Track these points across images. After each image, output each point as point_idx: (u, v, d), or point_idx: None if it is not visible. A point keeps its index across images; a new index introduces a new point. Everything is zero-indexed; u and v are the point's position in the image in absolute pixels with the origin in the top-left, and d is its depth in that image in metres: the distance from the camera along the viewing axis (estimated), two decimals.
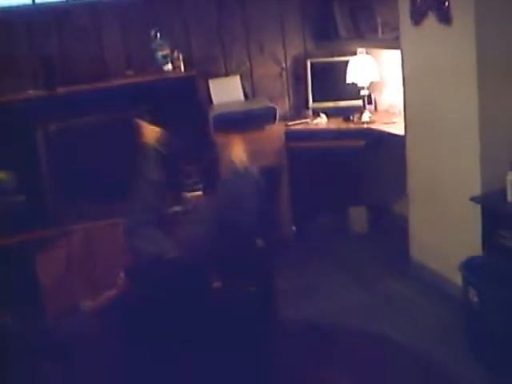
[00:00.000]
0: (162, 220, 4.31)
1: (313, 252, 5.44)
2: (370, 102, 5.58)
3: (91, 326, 4.34)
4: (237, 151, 3.99)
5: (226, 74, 5.74)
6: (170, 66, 5.22)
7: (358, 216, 5.75)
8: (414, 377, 3.68)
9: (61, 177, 4.83)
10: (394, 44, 4.78)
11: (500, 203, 3.88)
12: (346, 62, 5.53)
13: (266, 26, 5.79)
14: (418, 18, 4.30)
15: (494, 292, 3.60)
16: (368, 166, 5.91)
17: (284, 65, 5.89)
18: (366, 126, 5.36)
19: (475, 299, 3.64)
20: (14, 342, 4.20)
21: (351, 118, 5.51)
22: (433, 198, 4.50)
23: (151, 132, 4.03)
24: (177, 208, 5.05)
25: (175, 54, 5.24)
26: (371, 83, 5.52)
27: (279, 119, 5.47)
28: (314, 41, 5.92)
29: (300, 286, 4.88)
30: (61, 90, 4.85)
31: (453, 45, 4.05)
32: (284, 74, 5.90)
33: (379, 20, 5.19)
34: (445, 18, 4.04)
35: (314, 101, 5.80)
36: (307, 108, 5.83)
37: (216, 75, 5.68)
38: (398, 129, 4.99)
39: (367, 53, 5.46)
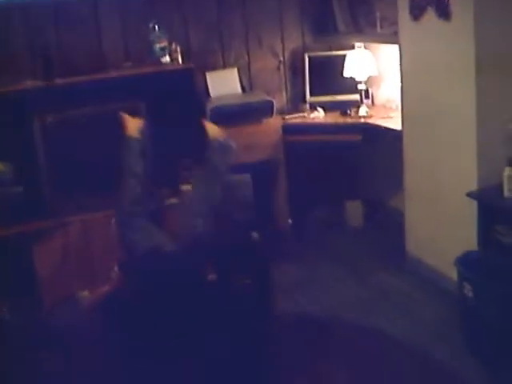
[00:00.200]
0: (156, 212, 4.32)
1: (309, 245, 5.45)
2: (367, 97, 5.59)
3: (87, 318, 4.35)
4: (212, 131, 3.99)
5: (224, 67, 5.72)
6: (167, 59, 5.20)
7: (354, 210, 5.76)
8: (409, 371, 3.69)
9: (58, 168, 4.83)
10: (392, 39, 4.78)
11: (496, 199, 3.89)
12: (344, 56, 5.54)
13: (265, 20, 5.78)
14: (417, 13, 4.31)
15: (489, 287, 3.61)
16: (364, 161, 5.92)
17: (282, 58, 5.89)
18: (363, 120, 5.36)
19: (470, 294, 3.66)
20: (10, 332, 4.21)
21: (348, 112, 5.51)
22: (429, 193, 4.51)
23: (135, 124, 4.03)
24: (173, 200, 5.07)
25: (173, 46, 5.22)
26: (369, 78, 5.52)
27: (276, 113, 5.47)
28: (313, 34, 5.92)
29: (295, 279, 4.89)
30: (59, 81, 4.83)
31: (451, 41, 4.05)
32: (282, 67, 5.90)
33: (378, 14, 5.18)
34: (444, 13, 4.04)
35: (311, 94, 5.79)
36: (304, 102, 5.82)
37: (214, 68, 5.67)
38: (394, 124, 5.00)
39: (365, 47, 5.47)
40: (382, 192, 5.82)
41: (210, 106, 5.32)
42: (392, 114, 5.25)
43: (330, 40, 5.83)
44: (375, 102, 5.76)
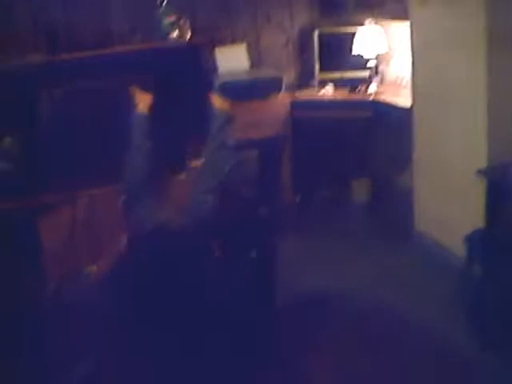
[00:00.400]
0: (163, 189, 4.31)
1: (315, 222, 5.44)
2: (376, 74, 5.55)
3: (93, 292, 4.36)
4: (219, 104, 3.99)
5: (233, 43, 5.69)
6: (176, 33, 5.17)
7: (362, 187, 5.74)
8: (414, 347, 3.70)
9: (64, 143, 4.81)
10: (402, 15, 4.74)
11: (506, 177, 3.86)
12: (354, 33, 5.50)
13: None
14: None
15: (497, 265, 3.60)
16: (373, 138, 5.89)
17: (291, 34, 5.84)
18: (372, 97, 5.34)
19: (479, 272, 3.65)
20: (17, 306, 4.21)
21: (358, 89, 5.48)
22: (439, 171, 4.49)
23: (145, 100, 4.02)
24: (180, 176, 5.06)
25: (181, 21, 5.19)
26: (378, 55, 5.48)
27: (285, 89, 5.44)
28: (322, 11, 5.87)
29: (302, 255, 4.88)
30: (65, 56, 4.81)
31: (463, 16, 4.01)
32: (291, 43, 5.86)
33: None
34: None
35: (320, 71, 5.76)
36: (313, 78, 5.79)
37: (222, 43, 5.64)
38: (404, 101, 4.97)
39: (375, 24, 5.42)
40: (390, 169, 5.79)
41: (218, 82, 5.29)
42: (401, 92, 5.22)
43: (339, 16, 5.78)
44: (384, 79, 5.72)
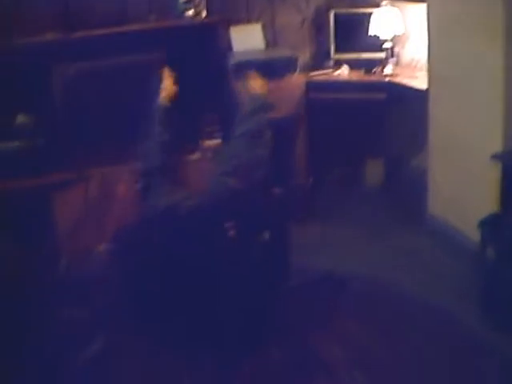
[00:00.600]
0: (178, 169, 4.32)
1: (329, 203, 5.43)
2: (392, 55, 5.51)
3: (105, 270, 4.38)
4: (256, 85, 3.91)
5: (248, 22, 5.65)
6: (191, 12, 5.14)
7: (376, 169, 5.73)
8: (427, 329, 3.70)
9: (79, 120, 4.82)
10: None
11: None
12: (370, 14, 5.45)
13: None
14: None
15: (511, 249, 3.58)
16: (388, 119, 5.87)
17: (307, 14, 5.80)
18: (388, 79, 5.31)
19: (493, 256, 3.64)
20: (28, 282, 4.23)
21: (373, 70, 5.44)
22: (454, 154, 4.47)
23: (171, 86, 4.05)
24: (195, 156, 5.06)
25: (197, 0, 5.16)
26: (394, 36, 5.44)
27: (300, 69, 5.41)
28: None
29: (316, 236, 4.88)
30: (80, 33, 4.80)
31: (480, 1, 3.97)
32: (306, 23, 5.82)
33: None
34: None
35: (336, 52, 5.72)
36: (329, 59, 5.75)
37: (237, 23, 5.60)
38: (420, 83, 4.95)
39: (392, 5, 5.37)
40: (404, 151, 5.77)
41: (233, 61, 5.27)
42: (417, 74, 5.19)
43: None
44: (400, 61, 5.67)
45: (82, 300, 3.94)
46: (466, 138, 4.33)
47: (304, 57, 5.74)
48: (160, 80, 4.14)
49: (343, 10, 5.71)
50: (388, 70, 5.36)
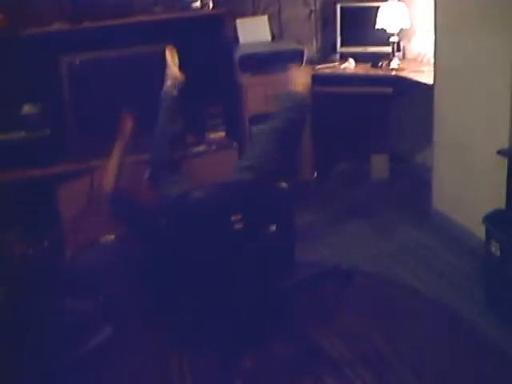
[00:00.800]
0: (183, 159, 4.32)
1: (333, 198, 5.43)
2: (398, 50, 5.50)
3: (110, 260, 4.39)
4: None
5: (254, 14, 5.64)
6: (198, 4, 5.14)
7: (381, 163, 5.72)
8: (429, 324, 3.71)
9: (85, 111, 4.82)
10: None
11: None
12: (377, 8, 5.44)
13: None
14: None
15: None
16: (394, 114, 5.86)
17: (313, 7, 5.79)
18: (394, 73, 5.29)
19: (497, 252, 3.63)
20: (33, 272, 4.24)
21: (379, 64, 5.43)
22: (459, 149, 4.46)
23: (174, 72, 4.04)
24: (200, 148, 5.06)
25: None
26: (400, 30, 5.43)
27: (306, 62, 5.40)
28: None
29: (319, 230, 4.88)
30: (87, 24, 4.79)
31: None
32: (313, 16, 5.80)
33: None
34: None
35: (342, 45, 5.71)
36: (335, 52, 5.74)
37: (244, 15, 5.59)
38: (426, 78, 4.93)
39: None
40: (409, 146, 5.77)
41: (239, 54, 5.27)
42: (423, 68, 5.18)
43: None
44: (406, 55, 5.67)
45: (87, 291, 3.94)
46: (471, 133, 4.32)
47: (310, 50, 5.72)
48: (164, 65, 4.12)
49: (350, 3, 5.69)
50: (394, 63, 5.35)
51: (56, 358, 3.26)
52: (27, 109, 4.77)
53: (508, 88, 3.89)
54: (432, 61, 4.80)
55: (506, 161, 3.96)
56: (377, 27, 5.43)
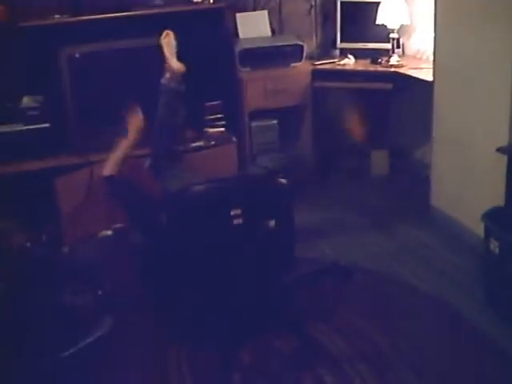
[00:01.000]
0: (182, 153, 4.32)
1: (333, 194, 5.42)
2: (398, 46, 5.50)
3: (109, 254, 4.39)
4: None
5: (254, 9, 5.64)
6: None
7: (380, 159, 5.71)
8: (429, 321, 3.72)
9: (84, 103, 4.81)
10: None
11: None
12: (377, 4, 5.43)
13: None
14: None
15: None
16: (393, 110, 5.86)
17: (313, 2, 5.78)
18: (393, 69, 5.29)
19: (496, 250, 3.64)
20: (32, 266, 4.24)
21: (379, 60, 5.43)
22: (458, 147, 4.46)
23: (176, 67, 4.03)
24: (198, 143, 5.05)
25: None
26: (401, 26, 5.42)
27: (306, 58, 5.41)
28: None
29: (319, 227, 4.88)
30: (86, 16, 4.78)
31: None
32: (313, 11, 5.79)
33: None
34: None
35: (342, 41, 5.70)
36: (335, 48, 5.74)
37: (244, 9, 5.59)
38: (425, 74, 4.93)
39: None
40: (409, 142, 5.77)
41: (238, 48, 5.26)
42: (423, 65, 5.18)
43: None
44: (405, 51, 5.67)
45: (86, 285, 3.94)
46: (471, 130, 4.32)
47: (310, 45, 5.71)
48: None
49: None
50: (394, 60, 5.35)
51: (53, 353, 3.25)
52: (26, 101, 4.76)
53: (508, 85, 3.89)
54: (431, 58, 4.80)
55: (505, 158, 3.96)
56: (377, 23, 5.42)
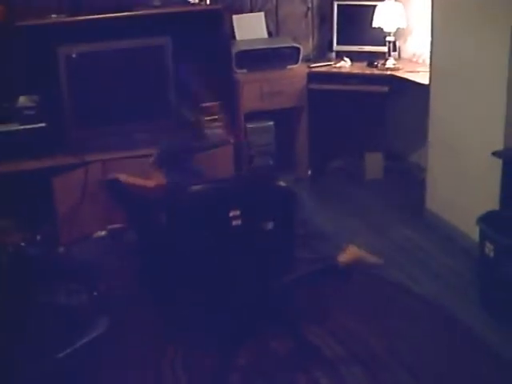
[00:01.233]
0: (183, 153, 4.33)
1: (327, 196, 5.41)
2: (394, 49, 5.51)
3: (102, 254, 4.39)
4: None
5: (251, 11, 5.64)
6: None
7: (375, 162, 5.71)
8: (424, 324, 3.72)
9: (81, 103, 4.82)
10: None
11: None
12: (374, 7, 5.44)
13: None
14: None
15: (510, 246, 3.60)
16: (389, 113, 5.88)
17: (310, 4, 5.79)
18: (389, 72, 5.30)
19: (491, 253, 3.65)
20: (27, 265, 4.23)
21: (375, 63, 5.44)
22: (454, 150, 4.48)
23: None
24: (196, 144, 5.05)
25: None
26: (397, 30, 5.44)
27: (302, 60, 5.42)
28: None
29: (313, 229, 4.87)
30: (84, 16, 4.78)
31: None
32: (310, 14, 5.80)
33: None
34: None
35: (338, 43, 5.71)
36: (331, 50, 5.75)
37: (240, 11, 5.59)
38: (422, 78, 4.95)
39: None
40: (404, 146, 5.78)
41: (235, 50, 5.27)
42: (419, 68, 5.20)
43: None
44: (401, 55, 5.68)
45: (81, 286, 3.94)
46: (466, 134, 4.33)
47: (306, 47, 5.71)
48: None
49: (347, 2, 5.69)
50: (390, 63, 5.36)
51: (49, 354, 3.25)
52: (23, 101, 4.76)
53: (503, 89, 3.91)
54: (427, 61, 4.82)
55: (500, 162, 3.97)
56: (373, 26, 5.44)
